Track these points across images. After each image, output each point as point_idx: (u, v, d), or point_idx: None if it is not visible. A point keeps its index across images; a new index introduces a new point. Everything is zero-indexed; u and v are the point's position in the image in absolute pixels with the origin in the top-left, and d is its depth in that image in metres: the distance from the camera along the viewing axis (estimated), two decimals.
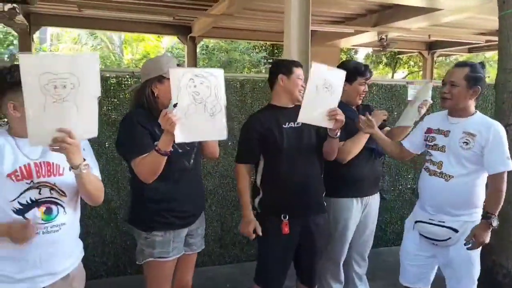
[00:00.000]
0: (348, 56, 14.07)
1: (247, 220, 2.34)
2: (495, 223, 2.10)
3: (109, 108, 3.40)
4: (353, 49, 13.22)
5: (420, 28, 7.18)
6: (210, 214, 3.59)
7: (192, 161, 2.12)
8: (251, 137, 2.32)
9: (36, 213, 1.56)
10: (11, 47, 12.66)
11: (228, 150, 3.57)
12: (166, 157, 1.88)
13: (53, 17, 6.67)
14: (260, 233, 2.32)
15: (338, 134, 2.28)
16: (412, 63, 15.30)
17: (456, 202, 2.19)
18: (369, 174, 2.61)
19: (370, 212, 2.71)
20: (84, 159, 1.55)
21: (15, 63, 1.53)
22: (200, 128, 1.85)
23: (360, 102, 2.70)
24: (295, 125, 2.35)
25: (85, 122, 1.51)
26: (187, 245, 2.20)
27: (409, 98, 2.90)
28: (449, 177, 2.19)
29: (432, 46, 9.71)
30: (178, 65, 2.10)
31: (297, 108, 2.39)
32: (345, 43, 8.58)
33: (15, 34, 9.85)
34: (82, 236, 3.37)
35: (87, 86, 1.47)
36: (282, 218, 2.29)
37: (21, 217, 1.54)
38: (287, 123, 2.34)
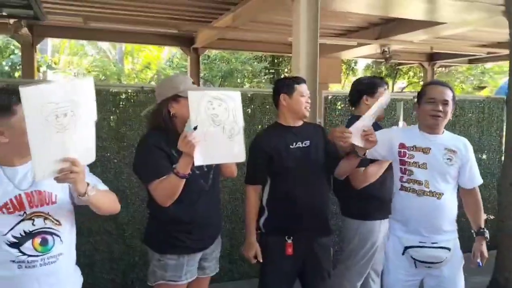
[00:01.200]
0: (348, 66, 14.14)
1: (250, 245, 2.33)
2: (487, 234, 2.23)
3: (118, 123, 3.39)
4: (353, 60, 13.28)
5: (422, 41, 7.22)
6: None
7: (210, 181, 2.09)
8: (259, 158, 2.31)
9: (32, 246, 1.52)
10: (12, 56, 12.63)
11: (238, 165, 3.56)
12: (184, 180, 1.86)
13: (56, 28, 6.67)
14: (261, 260, 2.31)
15: (366, 155, 2.24)
16: (412, 73, 15.37)
17: (449, 219, 2.21)
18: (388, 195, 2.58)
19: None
20: (88, 183, 1.52)
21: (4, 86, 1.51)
22: (219, 150, 1.84)
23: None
24: (303, 145, 2.33)
25: (84, 148, 1.48)
26: (200, 268, 2.17)
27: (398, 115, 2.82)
28: (440, 195, 2.18)
29: (433, 57, 9.76)
30: (193, 83, 2.09)
31: (305, 127, 2.39)
32: (347, 54, 8.61)
33: (16, 43, 9.85)
34: (90, 253, 3.35)
35: (85, 111, 1.46)
36: (286, 238, 2.27)
37: (16, 250, 1.50)
38: (294, 143, 2.32)
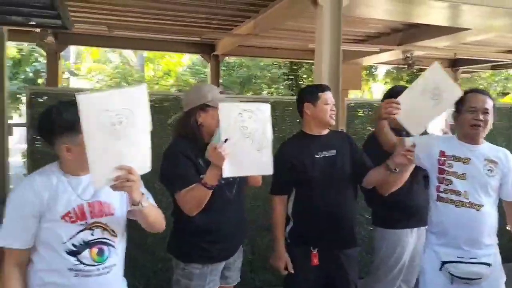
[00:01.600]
0: (368, 72, 14.01)
1: (279, 256, 2.31)
2: None
3: None
4: (373, 66, 13.17)
5: (446, 46, 7.11)
6: None
7: (234, 191, 2.08)
8: (283, 168, 2.26)
9: (89, 255, 1.55)
10: (35, 63, 12.94)
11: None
12: (211, 191, 1.86)
13: (81, 36, 6.79)
14: (292, 270, 2.28)
15: (397, 170, 2.18)
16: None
17: (489, 232, 2.14)
18: (424, 203, 2.52)
19: (423, 242, 2.61)
20: (143, 193, 1.55)
21: (62, 100, 1.54)
22: (247, 162, 1.85)
23: None
24: (329, 154, 2.30)
25: (139, 157, 1.49)
26: (223, 278, 2.16)
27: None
28: (479, 206, 2.11)
29: (456, 63, 9.60)
30: (221, 92, 2.10)
31: (331, 135, 2.36)
32: (368, 61, 8.54)
33: (39, 50, 10.08)
34: None
35: (139, 119, 1.46)
36: (311, 249, 2.24)
37: (74, 258, 1.53)
38: (319, 153, 2.29)
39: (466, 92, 2.24)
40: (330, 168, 2.29)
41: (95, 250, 1.56)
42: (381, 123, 2.27)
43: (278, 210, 2.34)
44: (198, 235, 2.03)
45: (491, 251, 2.15)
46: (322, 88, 2.37)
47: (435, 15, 5.04)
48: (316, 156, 2.29)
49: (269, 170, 1.92)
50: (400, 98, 2.09)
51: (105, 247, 1.59)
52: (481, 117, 2.12)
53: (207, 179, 1.85)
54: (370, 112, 4.00)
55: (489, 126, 2.16)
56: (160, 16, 5.60)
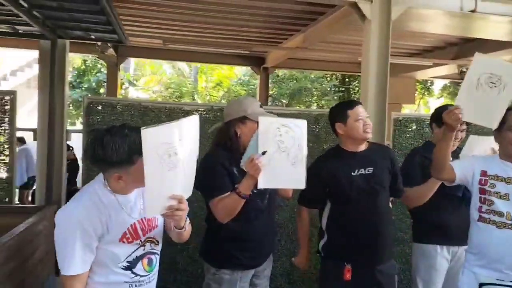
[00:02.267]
0: (424, 86, 13.59)
1: (301, 255, 2.46)
2: None
3: None
4: (428, 80, 12.76)
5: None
6: (280, 248, 3.57)
7: (266, 201, 2.13)
8: (316, 185, 2.24)
9: (142, 267, 1.61)
10: (98, 74, 13.76)
11: None
12: (244, 200, 1.93)
13: (139, 49, 7.18)
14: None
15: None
16: None
17: None
18: (457, 222, 2.46)
19: (460, 265, 2.53)
20: (187, 217, 1.58)
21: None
22: (281, 175, 1.90)
23: (453, 148, 2.50)
24: (366, 172, 2.25)
25: (187, 184, 1.52)
26: (252, 285, 2.19)
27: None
28: None
29: None
30: (260, 106, 2.16)
31: (370, 150, 2.33)
32: (422, 75, 8.32)
33: (102, 62, 10.72)
34: None
35: (190, 148, 1.50)
36: (345, 264, 2.20)
37: (130, 271, 1.58)
38: (356, 170, 2.24)
39: (508, 109, 2.11)
40: (367, 186, 2.24)
41: (145, 260, 1.62)
42: (449, 136, 2.09)
43: (303, 217, 2.41)
44: (229, 242, 2.08)
45: None
46: (350, 105, 2.30)
47: (494, 30, 4.85)
48: (353, 173, 2.23)
49: (301, 184, 1.97)
50: (457, 101, 1.99)
51: (152, 257, 1.65)
52: None
53: (241, 188, 1.91)
54: (418, 126, 3.90)
55: None
56: (211, 30, 5.81)
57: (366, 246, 2.22)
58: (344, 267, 2.21)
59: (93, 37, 3.29)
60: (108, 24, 2.77)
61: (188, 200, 3.55)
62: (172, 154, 1.41)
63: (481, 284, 2.09)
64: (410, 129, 3.90)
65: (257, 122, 1.91)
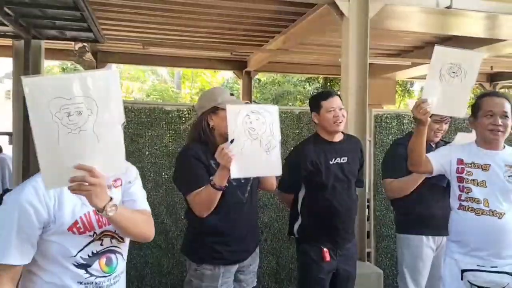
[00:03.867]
0: (404, 88, 13.77)
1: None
2: None
3: (170, 140, 3.51)
4: (409, 81, 12.94)
5: (482, 59, 6.91)
6: (266, 247, 3.55)
7: (247, 194, 2.10)
8: (297, 171, 2.35)
9: (99, 266, 1.42)
10: None
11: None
12: (221, 192, 1.90)
13: (118, 54, 7.11)
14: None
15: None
16: (472, 95, 14.71)
17: (510, 241, 2.05)
18: (441, 212, 2.50)
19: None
20: (111, 198, 1.31)
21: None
22: (255, 164, 1.86)
23: (437, 139, 2.64)
24: (341, 161, 2.39)
25: (108, 156, 1.27)
26: (237, 281, 2.16)
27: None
28: (501, 214, 2.04)
29: (494, 77, 9.31)
30: (231, 94, 2.14)
31: (345, 142, 2.45)
32: (402, 75, 8.43)
33: (81, 69, 10.60)
34: (140, 266, 3.44)
35: (107, 111, 1.23)
36: (322, 246, 2.35)
37: (84, 271, 1.39)
38: (333, 159, 2.37)
39: (482, 96, 2.19)
40: (341, 174, 2.39)
41: (103, 260, 1.44)
42: (422, 129, 2.13)
43: (288, 199, 2.54)
44: (210, 236, 2.05)
45: None
46: (324, 95, 2.40)
47: (471, 26, 4.94)
48: (330, 162, 2.36)
49: (277, 171, 1.94)
50: (424, 95, 2.04)
51: (112, 255, 1.46)
52: (499, 121, 2.06)
53: (215, 180, 1.88)
54: (397, 123, 3.93)
55: (509, 130, 2.08)
56: (191, 32, 5.79)
57: (338, 229, 2.38)
58: (321, 249, 2.35)
59: (68, 36, 3.21)
60: (83, 20, 2.72)
61: (171, 202, 3.50)
62: (73, 113, 1.18)
63: (462, 271, 2.11)
64: (390, 125, 3.93)
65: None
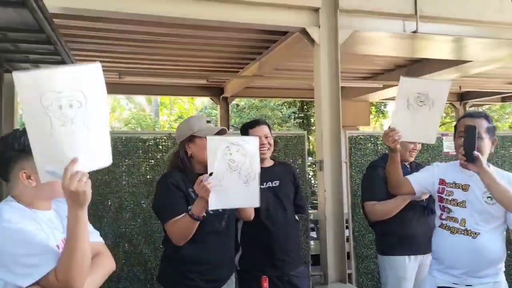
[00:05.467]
0: (378, 109, 14.08)
1: None
2: None
3: (147, 169, 3.51)
4: (382, 102, 13.25)
5: (451, 80, 7.15)
6: None
7: (224, 223, 2.12)
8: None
9: None
10: None
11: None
12: (198, 222, 1.91)
13: None
14: None
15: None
16: (444, 114, 15.13)
17: (484, 260, 2.05)
18: (422, 231, 2.55)
19: (426, 271, 2.60)
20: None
21: (22, 127, 1.29)
22: (233, 195, 1.88)
23: (411, 159, 2.71)
24: (273, 185, 2.45)
25: (97, 148, 1.31)
26: None
27: (445, 150, 2.88)
28: (476, 234, 2.06)
29: (463, 96, 9.61)
30: (208, 121, 2.19)
31: (275, 166, 2.55)
32: (375, 97, 8.63)
33: None
34: None
35: (95, 103, 1.27)
36: (261, 274, 2.25)
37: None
38: (264, 183, 2.39)
39: (460, 118, 2.25)
40: (275, 198, 2.44)
41: None
42: (394, 157, 2.23)
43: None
44: (185, 265, 2.05)
45: (491, 280, 2.08)
46: (252, 125, 2.51)
47: (439, 49, 5.13)
48: (262, 186, 2.33)
49: (255, 202, 1.96)
50: (392, 124, 2.10)
51: None
52: None
53: (193, 210, 1.89)
54: (372, 144, 4.03)
55: (485, 150, 2.08)
56: (167, 61, 5.84)
57: (279, 256, 2.40)
58: (260, 277, 2.26)
59: (31, 59, 3.18)
60: (57, 54, 2.73)
61: (149, 231, 3.48)
62: (64, 106, 1.20)
63: (438, 287, 2.14)
64: (365, 147, 4.02)
65: (205, 138, 1.90)
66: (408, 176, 2.31)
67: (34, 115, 1.18)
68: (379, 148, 4.00)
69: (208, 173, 1.83)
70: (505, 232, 2.17)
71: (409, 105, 2.04)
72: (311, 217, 4.95)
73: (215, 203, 1.85)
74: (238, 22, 3.56)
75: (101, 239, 1.59)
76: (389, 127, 2.11)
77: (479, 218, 2.08)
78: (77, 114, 1.23)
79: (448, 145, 3.14)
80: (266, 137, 2.46)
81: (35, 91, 1.17)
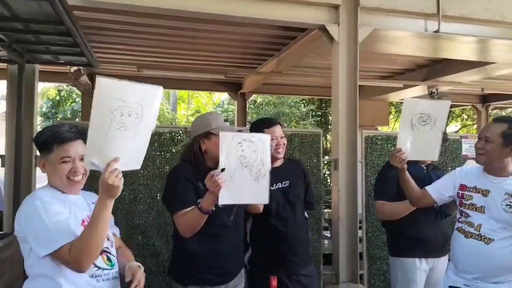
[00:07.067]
0: (398, 110, 13.90)
1: None
2: None
3: (162, 162, 3.53)
4: (402, 102, 13.08)
5: (473, 81, 7.02)
6: None
7: (232, 217, 2.12)
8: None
9: (102, 260, 1.61)
10: (73, 104, 13.62)
11: None
12: (207, 216, 1.92)
13: (113, 77, 7.17)
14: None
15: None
16: (465, 116, 14.84)
17: (496, 267, 2.04)
18: (434, 234, 2.54)
19: (438, 275, 2.58)
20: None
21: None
22: (243, 191, 1.89)
23: (429, 161, 2.68)
24: (283, 185, 2.42)
25: (136, 153, 1.53)
26: None
27: (463, 153, 2.84)
28: (489, 240, 2.04)
29: (486, 99, 9.41)
30: (225, 120, 2.19)
31: (285, 166, 2.49)
32: (394, 97, 8.52)
33: (78, 92, 10.66)
34: None
35: (147, 118, 1.50)
36: (270, 275, 2.33)
37: (92, 265, 1.56)
38: (274, 185, 2.37)
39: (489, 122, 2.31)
40: (285, 198, 2.41)
41: (104, 256, 1.63)
42: (403, 175, 2.31)
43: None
44: (195, 258, 2.05)
45: (502, 286, 2.06)
46: (268, 124, 2.45)
47: (462, 50, 5.03)
48: (272, 188, 2.34)
49: (265, 199, 1.96)
50: (398, 144, 2.21)
51: (110, 255, 1.66)
52: (479, 145, 2.11)
53: (203, 204, 1.90)
54: (389, 144, 3.97)
55: (494, 154, 2.07)
56: (188, 55, 5.86)
57: (287, 254, 2.38)
58: (269, 277, 2.33)
59: (62, 60, 3.27)
60: (76, 46, 2.77)
61: (163, 224, 3.51)
62: (125, 114, 1.42)
63: (450, 287, 2.17)
64: (381, 147, 3.97)
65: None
66: (427, 187, 2.32)
67: (100, 115, 1.39)
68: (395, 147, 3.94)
69: (220, 168, 1.83)
70: None
71: (413, 125, 2.17)
72: (326, 216, 4.92)
73: (225, 199, 1.86)
74: (257, 18, 3.55)
75: (119, 236, 1.80)
76: (395, 148, 2.23)
77: (496, 225, 2.06)
78: (132, 123, 1.46)
79: (467, 148, 3.09)
80: (282, 137, 2.45)
81: (108, 96, 1.39)
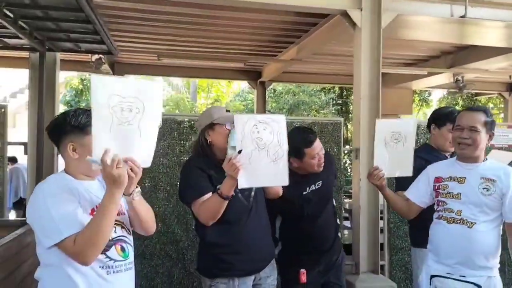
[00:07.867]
0: (421, 98, 13.61)
1: None
2: None
3: (181, 150, 3.54)
4: (426, 90, 12.79)
5: (500, 69, 6.79)
6: None
7: (251, 199, 2.09)
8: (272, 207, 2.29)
9: (116, 251, 1.59)
10: None
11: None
12: (227, 201, 1.91)
13: (134, 65, 7.21)
14: None
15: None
16: (491, 105, 14.43)
17: (480, 251, 2.05)
18: None
19: None
20: (137, 186, 1.57)
21: (81, 106, 1.58)
22: (262, 174, 1.87)
23: (452, 149, 2.65)
24: (316, 187, 2.40)
25: (144, 150, 1.52)
26: None
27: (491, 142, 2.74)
28: (472, 224, 2.06)
29: None
30: (227, 110, 2.19)
31: (322, 172, 2.45)
32: (418, 84, 8.33)
33: None
34: (151, 276, 3.45)
35: (150, 113, 1.50)
36: (300, 269, 2.37)
37: (103, 255, 1.54)
38: (307, 189, 2.38)
39: (460, 111, 2.31)
40: (318, 199, 2.42)
41: (118, 246, 1.60)
42: (384, 193, 2.41)
43: None
44: (219, 247, 2.04)
45: (485, 273, 2.07)
46: (307, 143, 2.34)
47: (488, 35, 4.85)
48: (304, 193, 2.38)
49: (284, 181, 1.93)
50: (375, 163, 2.30)
51: (124, 245, 1.63)
52: (465, 135, 2.10)
53: (222, 189, 1.89)
54: None
55: (479, 143, 2.10)
56: (207, 44, 5.83)
57: (317, 248, 2.42)
58: (299, 271, 2.37)
59: (82, 48, 3.29)
60: (96, 33, 2.77)
61: (182, 211, 3.52)
62: (125, 109, 1.44)
63: (432, 276, 2.16)
64: None
65: (225, 125, 1.96)
66: (409, 196, 2.36)
67: (101, 112, 1.41)
68: (419, 137, 3.85)
69: (237, 150, 1.80)
70: (501, 226, 2.16)
71: (387, 144, 2.30)
72: (346, 206, 4.87)
73: (244, 182, 1.84)
74: (278, 4, 3.49)
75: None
76: (372, 167, 2.32)
77: (475, 209, 2.09)
78: (134, 118, 1.47)
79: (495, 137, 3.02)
80: (321, 149, 2.41)
81: (106, 92, 1.41)
